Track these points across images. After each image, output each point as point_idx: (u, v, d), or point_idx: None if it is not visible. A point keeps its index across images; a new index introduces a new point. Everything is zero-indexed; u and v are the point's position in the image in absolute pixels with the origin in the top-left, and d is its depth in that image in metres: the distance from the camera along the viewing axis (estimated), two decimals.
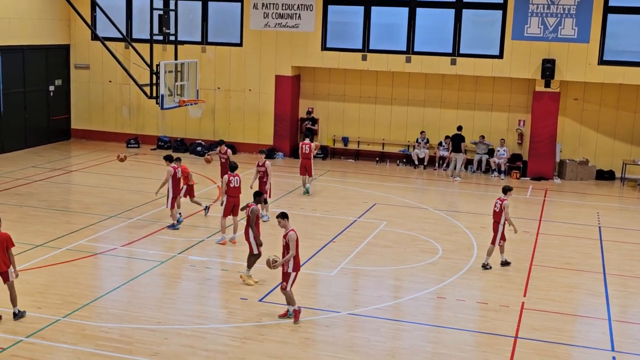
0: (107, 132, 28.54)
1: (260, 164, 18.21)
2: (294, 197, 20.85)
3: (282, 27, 26.16)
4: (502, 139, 25.06)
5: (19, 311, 11.83)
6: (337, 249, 16.23)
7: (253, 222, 13.60)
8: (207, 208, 18.28)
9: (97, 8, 25.24)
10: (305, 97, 27.23)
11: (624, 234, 18.49)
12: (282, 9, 26.09)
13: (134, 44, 22.50)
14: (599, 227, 18.95)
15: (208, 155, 19.79)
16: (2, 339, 11.16)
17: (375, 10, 25.73)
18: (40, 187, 20.84)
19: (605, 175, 24.74)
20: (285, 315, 12.30)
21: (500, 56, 24.51)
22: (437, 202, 21.18)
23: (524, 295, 13.89)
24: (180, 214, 17.65)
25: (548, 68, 23.70)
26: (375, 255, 15.98)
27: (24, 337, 11.26)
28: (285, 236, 12.11)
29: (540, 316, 12.90)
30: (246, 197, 17.60)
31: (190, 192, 18.04)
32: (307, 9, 25.87)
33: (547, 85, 24.20)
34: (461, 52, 25.00)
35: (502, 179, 24.34)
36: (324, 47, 26.01)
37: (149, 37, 21.05)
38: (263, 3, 26.22)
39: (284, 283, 12.12)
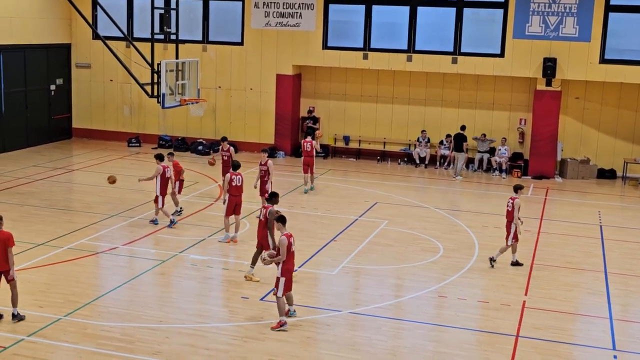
0: (108, 131, 28.54)
1: (262, 163, 18.22)
2: (296, 195, 20.85)
3: (283, 26, 26.15)
4: (503, 138, 25.05)
5: (18, 313, 11.73)
6: (338, 248, 16.23)
7: (271, 224, 13.42)
8: (173, 222, 17.06)
9: (98, 7, 25.25)
10: (306, 96, 27.22)
11: (625, 232, 18.49)
12: (283, 8, 26.08)
13: (135, 43, 22.52)
14: (600, 226, 18.94)
15: (212, 159, 19.89)
16: (4, 337, 11.16)
17: (376, 8, 25.72)
18: (41, 186, 20.84)
19: (606, 174, 24.72)
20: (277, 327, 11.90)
21: (502, 55, 24.49)
22: (438, 201, 21.17)
23: (525, 294, 13.88)
24: (181, 208, 18.04)
25: (549, 67, 23.69)
26: (376, 254, 15.97)
27: (26, 336, 11.26)
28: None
29: (541, 315, 12.90)
30: (248, 197, 17.67)
31: (179, 188, 18.37)
32: (308, 8, 25.85)
33: (549, 84, 24.18)
34: (462, 50, 24.98)
35: (504, 178, 24.34)
36: (325, 46, 25.99)
37: (150, 36, 21.08)
38: (264, 2, 26.20)
39: (275, 289, 12.01)
